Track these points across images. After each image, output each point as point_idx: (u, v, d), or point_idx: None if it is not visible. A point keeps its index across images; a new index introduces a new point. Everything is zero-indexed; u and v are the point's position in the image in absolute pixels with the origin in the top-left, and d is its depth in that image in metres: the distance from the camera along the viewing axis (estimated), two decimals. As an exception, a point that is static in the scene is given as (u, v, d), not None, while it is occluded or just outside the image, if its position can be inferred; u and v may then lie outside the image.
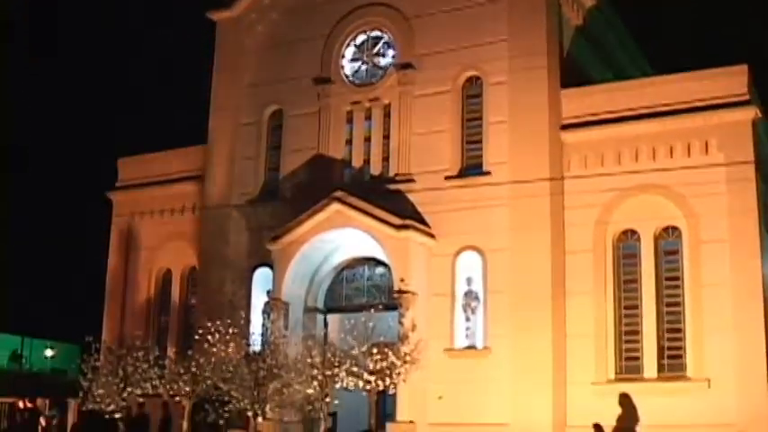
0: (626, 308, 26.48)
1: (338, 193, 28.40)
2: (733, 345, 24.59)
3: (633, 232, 26.64)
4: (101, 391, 27.71)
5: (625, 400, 25.11)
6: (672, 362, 25.73)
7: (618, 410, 24.78)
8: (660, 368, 25.72)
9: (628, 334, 26.36)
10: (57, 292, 49.81)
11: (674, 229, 26.25)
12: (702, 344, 25.14)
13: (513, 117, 27.86)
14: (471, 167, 28.59)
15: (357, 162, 30.43)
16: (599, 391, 25.73)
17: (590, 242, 26.70)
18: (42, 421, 28.55)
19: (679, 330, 25.78)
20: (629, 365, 26.14)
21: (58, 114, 57.22)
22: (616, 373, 26.09)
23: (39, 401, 29.14)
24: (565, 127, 27.59)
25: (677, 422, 24.16)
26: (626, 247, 26.78)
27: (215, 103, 33.12)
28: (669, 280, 26.16)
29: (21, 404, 28.96)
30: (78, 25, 61.47)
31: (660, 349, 25.86)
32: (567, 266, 26.88)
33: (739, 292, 24.81)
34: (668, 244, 26.35)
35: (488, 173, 27.99)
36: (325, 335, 28.83)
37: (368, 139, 30.42)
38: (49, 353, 54.43)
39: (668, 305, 26.05)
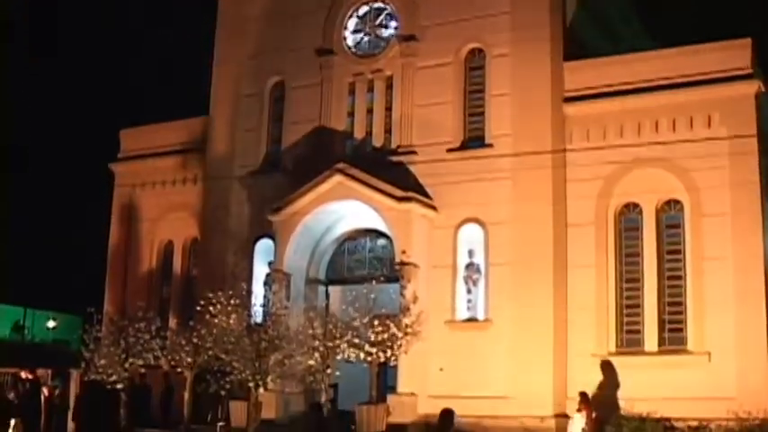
0: (627, 281, 26.51)
1: (340, 165, 28.40)
2: (734, 318, 24.60)
3: (635, 205, 26.63)
4: (103, 362, 27.76)
5: (607, 368, 25.52)
6: (672, 335, 25.78)
7: (609, 380, 25.22)
8: (661, 341, 25.81)
9: (629, 307, 26.41)
10: (59, 263, 49.82)
11: (676, 202, 26.25)
12: (703, 317, 25.20)
13: (515, 90, 27.81)
14: (473, 140, 28.56)
15: (359, 134, 30.37)
16: (599, 363, 25.71)
17: (592, 215, 26.69)
18: (45, 391, 28.57)
19: (680, 304, 25.80)
20: (629, 338, 26.23)
21: (57, 114, 56.95)
22: (617, 346, 26.15)
23: (40, 372, 29.09)
24: (567, 100, 27.53)
25: (677, 395, 24.15)
26: (628, 220, 26.77)
27: (216, 74, 33.04)
28: (670, 253, 26.18)
29: (23, 375, 28.93)
30: (78, 25, 61.23)
31: (661, 322, 25.90)
32: (569, 239, 26.90)
33: (740, 265, 24.83)
34: (670, 217, 26.37)
35: (490, 145, 27.97)
36: (327, 306, 28.87)
37: (370, 111, 30.36)
38: (50, 324, 54.53)
39: (669, 278, 26.06)
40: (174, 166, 33.01)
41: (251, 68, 32.35)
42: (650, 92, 26.48)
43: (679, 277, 25.95)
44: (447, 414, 14.32)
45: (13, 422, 28.49)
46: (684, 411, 23.89)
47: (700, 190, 25.58)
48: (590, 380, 25.35)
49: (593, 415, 22.49)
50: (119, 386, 27.87)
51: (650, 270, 26.15)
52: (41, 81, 58.06)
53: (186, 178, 32.62)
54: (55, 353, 40.24)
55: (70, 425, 28.40)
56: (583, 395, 23.31)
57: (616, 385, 25.19)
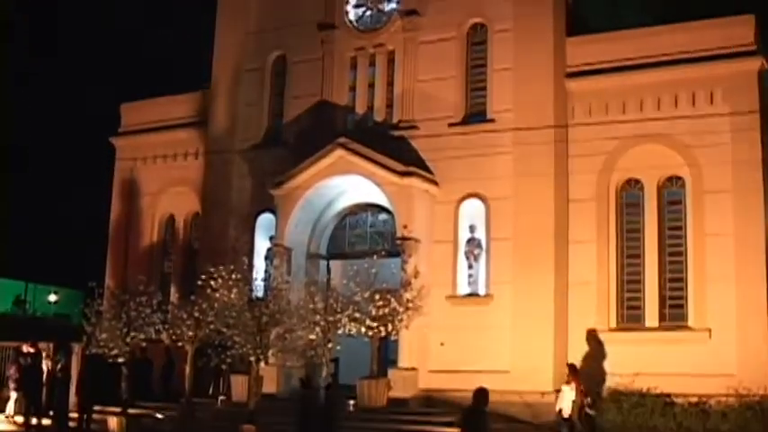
0: (628, 257, 26.53)
1: (341, 140, 28.40)
2: (734, 295, 24.63)
3: (636, 181, 26.64)
4: (104, 336, 27.73)
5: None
6: (673, 311, 25.82)
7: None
8: (661, 317, 25.84)
9: (629, 283, 26.43)
10: (60, 237, 49.83)
11: (678, 178, 26.24)
12: (704, 294, 25.22)
13: (517, 65, 27.72)
14: (475, 115, 28.50)
15: (360, 108, 30.36)
16: (600, 338, 25.83)
17: (593, 191, 26.69)
18: (46, 365, 28.66)
19: (681, 280, 25.82)
20: (630, 314, 26.30)
21: (57, 114, 56.76)
22: (617, 322, 26.22)
23: (42, 346, 29.20)
24: (569, 75, 27.48)
25: (677, 371, 24.24)
26: (629, 196, 26.78)
27: (218, 48, 32.92)
28: (672, 230, 26.20)
29: (24, 349, 29.03)
30: (78, 25, 60.91)
31: (662, 299, 25.95)
32: (571, 215, 26.90)
33: (742, 242, 24.84)
34: (671, 194, 26.35)
35: (492, 120, 27.91)
36: (328, 281, 28.87)
37: (371, 86, 30.31)
38: (52, 298, 54.58)
39: (670, 255, 26.08)
40: (175, 140, 32.93)
41: (252, 43, 32.25)
42: (652, 68, 26.37)
43: (680, 253, 25.95)
44: (481, 393, 14.32)
45: (14, 396, 28.72)
46: (684, 387, 23.97)
47: (701, 166, 25.57)
48: (590, 355, 25.56)
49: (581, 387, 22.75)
50: (120, 360, 27.93)
51: (651, 246, 26.16)
52: (41, 81, 57.88)
53: (187, 152, 32.58)
54: (56, 327, 40.28)
55: (72, 398, 28.52)
56: (571, 367, 23.60)
57: (616, 361, 25.22)
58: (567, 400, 22.88)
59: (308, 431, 22.02)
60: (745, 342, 24.31)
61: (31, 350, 28.91)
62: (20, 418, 28.00)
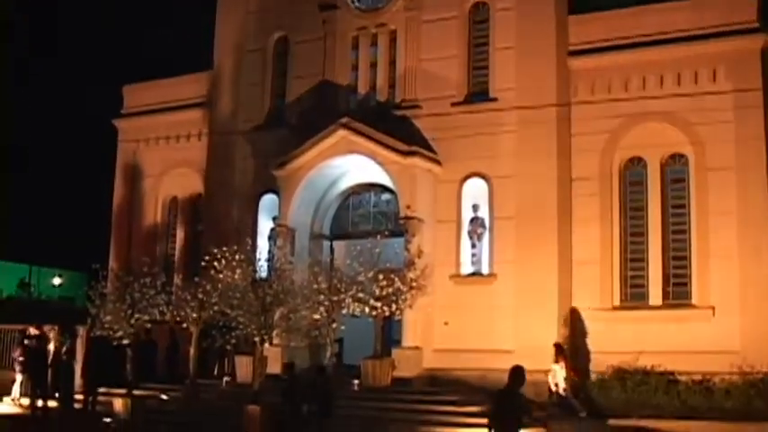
0: (632, 235, 26.47)
1: (344, 120, 28.30)
2: (738, 273, 24.59)
3: (640, 159, 26.55)
4: (108, 318, 27.78)
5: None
6: (677, 289, 25.72)
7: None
8: (665, 295, 25.77)
9: (633, 261, 26.36)
10: (63, 220, 49.90)
11: (681, 156, 26.14)
12: (708, 272, 25.15)
13: (519, 43, 27.65)
14: (478, 94, 28.40)
15: (363, 88, 30.27)
16: (604, 317, 25.88)
17: (596, 169, 26.58)
18: (51, 348, 28.79)
19: (684, 258, 25.72)
20: (634, 292, 26.23)
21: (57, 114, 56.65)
22: (621, 300, 26.19)
23: (46, 328, 29.33)
24: (572, 53, 27.34)
25: (681, 349, 24.19)
26: (632, 174, 26.70)
27: (219, 29, 32.85)
28: (675, 208, 26.12)
29: (30, 331, 29.16)
30: (78, 25, 60.64)
31: (665, 277, 25.85)
32: (574, 193, 26.77)
33: (745, 220, 24.77)
34: (675, 171, 26.27)
35: (495, 99, 27.82)
36: (332, 261, 28.86)
37: (374, 66, 30.20)
38: (56, 281, 54.67)
39: (674, 233, 26.01)
40: (177, 121, 32.78)
41: (254, 23, 32.18)
42: (655, 45, 26.24)
43: (683, 231, 25.87)
44: (518, 371, 13.64)
45: (20, 378, 28.86)
46: (688, 365, 23.97)
47: (705, 144, 25.50)
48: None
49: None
50: (125, 342, 28.03)
51: (654, 224, 26.09)
52: (41, 81, 57.72)
53: (190, 134, 32.44)
54: (61, 310, 40.39)
55: (78, 381, 28.66)
56: (557, 346, 23.93)
57: (619, 339, 25.09)
58: (559, 378, 23.36)
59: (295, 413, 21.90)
60: (748, 319, 24.26)
61: (37, 333, 29.05)
62: (25, 401, 28.19)
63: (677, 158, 26.24)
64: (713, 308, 24.83)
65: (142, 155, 33.67)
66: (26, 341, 29.02)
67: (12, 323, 31.04)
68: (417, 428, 22.77)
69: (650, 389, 23.86)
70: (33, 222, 48.10)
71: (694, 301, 25.34)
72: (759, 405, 22.60)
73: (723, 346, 24.02)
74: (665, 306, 25.70)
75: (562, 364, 23.46)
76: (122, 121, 34.29)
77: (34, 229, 48.02)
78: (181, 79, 33.39)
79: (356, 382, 26.76)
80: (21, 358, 28.73)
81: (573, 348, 25.49)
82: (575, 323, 26.11)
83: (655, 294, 25.85)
